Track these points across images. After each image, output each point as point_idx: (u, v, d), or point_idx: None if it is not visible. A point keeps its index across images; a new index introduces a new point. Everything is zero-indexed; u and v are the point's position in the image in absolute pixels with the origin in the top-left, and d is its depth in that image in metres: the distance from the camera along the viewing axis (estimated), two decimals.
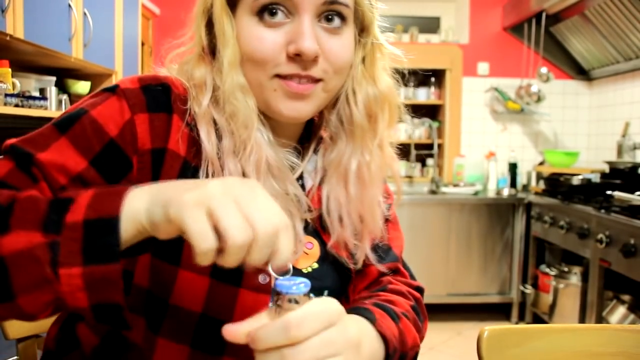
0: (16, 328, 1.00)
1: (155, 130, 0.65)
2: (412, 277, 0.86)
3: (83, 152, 0.62)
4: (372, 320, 0.66)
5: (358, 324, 0.65)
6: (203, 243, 0.45)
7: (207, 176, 0.66)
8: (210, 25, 0.70)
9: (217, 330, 0.50)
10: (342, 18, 0.68)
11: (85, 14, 2.38)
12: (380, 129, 0.76)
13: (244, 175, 0.67)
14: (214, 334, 0.51)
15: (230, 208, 0.46)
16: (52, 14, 2.13)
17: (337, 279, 0.77)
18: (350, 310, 0.69)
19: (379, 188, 0.77)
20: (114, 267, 0.48)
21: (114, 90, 0.66)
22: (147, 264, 0.65)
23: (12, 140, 0.62)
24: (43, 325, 1.02)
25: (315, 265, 0.75)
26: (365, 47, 0.75)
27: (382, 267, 0.80)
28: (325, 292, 0.75)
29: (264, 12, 0.65)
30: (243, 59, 0.67)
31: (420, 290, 0.84)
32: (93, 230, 0.48)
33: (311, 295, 0.51)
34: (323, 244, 0.76)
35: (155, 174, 0.66)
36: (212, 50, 0.70)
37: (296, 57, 0.65)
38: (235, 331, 0.49)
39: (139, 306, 0.66)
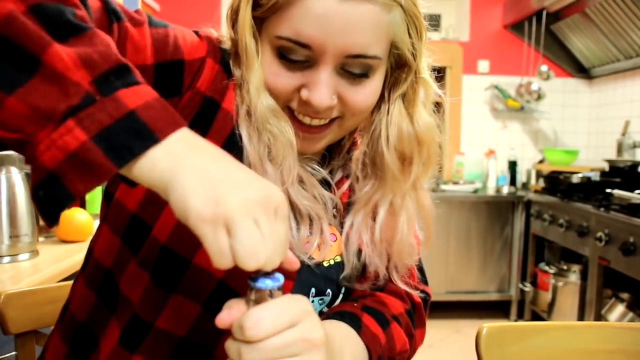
0: (16, 323, 1.00)
1: (216, 82, 0.65)
2: (424, 282, 0.85)
3: (156, 52, 0.60)
4: (357, 329, 0.66)
5: (339, 329, 0.65)
6: (219, 260, 0.43)
7: None
8: (235, 26, 0.68)
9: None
10: (367, 70, 0.64)
11: None
12: (414, 172, 0.72)
13: (282, 181, 0.66)
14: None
15: (247, 231, 0.43)
16: None
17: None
18: (338, 313, 0.69)
19: (411, 230, 0.75)
20: (112, 166, 0.42)
21: (196, 32, 0.67)
22: (174, 222, 0.63)
23: None
24: (43, 321, 1.03)
25: (339, 259, 0.74)
26: (405, 82, 0.70)
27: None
28: (343, 290, 0.75)
29: (284, 54, 0.63)
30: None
31: (425, 295, 0.83)
32: (130, 126, 0.43)
33: (280, 291, 0.49)
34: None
35: (200, 122, 0.64)
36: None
37: (307, 102, 0.64)
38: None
39: (148, 261, 0.65)
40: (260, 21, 0.65)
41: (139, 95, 0.44)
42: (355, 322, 0.66)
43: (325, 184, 0.75)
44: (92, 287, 0.71)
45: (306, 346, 0.48)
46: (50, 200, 0.43)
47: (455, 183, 3.80)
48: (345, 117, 0.68)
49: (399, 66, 0.70)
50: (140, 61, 0.59)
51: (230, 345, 0.48)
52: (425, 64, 0.71)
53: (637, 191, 2.66)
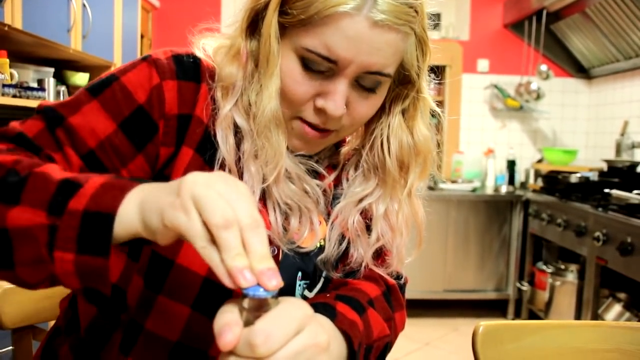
0: (12, 318, 1.00)
1: (182, 97, 0.67)
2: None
3: (112, 116, 0.64)
4: (331, 317, 0.64)
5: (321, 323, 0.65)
6: (199, 241, 0.44)
7: None
8: (254, 27, 0.69)
9: (219, 296, 0.50)
10: (378, 85, 0.69)
11: (84, 5, 2.37)
12: (410, 179, 0.77)
13: (264, 178, 0.69)
14: (216, 300, 0.50)
15: (215, 198, 0.45)
16: (51, 5, 2.13)
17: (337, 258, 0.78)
18: (311, 305, 0.69)
19: (407, 235, 0.79)
20: (103, 261, 0.48)
21: (146, 58, 0.68)
22: None
23: (47, 103, 0.65)
24: (39, 316, 1.03)
25: (322, 242, 0.76)
26: (407, 98, 0.75)
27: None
28: (324, 273, 0.76)
29: (308, 62, 0.65)
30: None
31: (400, 278, 0.83)
32: (89, 222, 0.49)
33: (278, 297, 0.47)
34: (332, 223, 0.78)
35: (180, 138, 0.68)
36: (251, 54, 0.69)
37: (321, 110, 0.67)
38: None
39: (142, 267, 0.67)
40: (283, 27, 0.66)
41: (85, 193, 0.50)
42: (329, 311, 0.64)
43: (312, 172, 0.77)
44: (95, 302, 0.72)
45: (316, 351, 0.47)
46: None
47: (454, 182, 3.80)
48: (344, 129, 0.72)
49: (403, 83, 0.74)
50: (105, 132, 0.64)
51: None
52: (426, 84, 0.76)
53: (635, 191, 2.66)
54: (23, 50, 2.24)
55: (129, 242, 0.52)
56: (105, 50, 2.71)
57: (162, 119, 0.66)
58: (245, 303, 0.45)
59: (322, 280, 0.77)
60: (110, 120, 0.64)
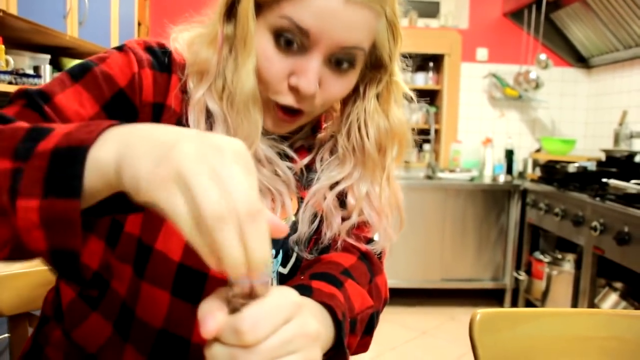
0: (9, 305, 0.99)
1: (157, 86, 0.69)
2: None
3: (96, 98, 0.65)
4: (308, 295, 0.62)
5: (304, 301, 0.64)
6: (186, 226, 0.39)
7: None
8: (230, 12, 0.70)
9: (195, 280, 0.51)
10: (352, 61, 0.70)
11: None
12: (388, 162, 0.79)
13: None
14: (192, 284, 0.49)
15: (206, 180, 0.39)
16: None
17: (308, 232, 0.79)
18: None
19: (391, 216, 0.80)
20: (73, 203, 0.42)
21: (121, 48, 0.70)
22: (141, 215, 0.68)
23: (27, 87, 0.64)
24: (35, 303, 1.02)
25: (293, 218, 0.77)
26: (380, 82, 0.77)
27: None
28: (296, 248, 0.77)
29: (281, 37, 0.66)
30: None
31: (371, 242, 0.82)
32: (59, 159, 0.43)
33: (271, 282, 0.45)
34: (301, 199, 0.79)
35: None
36: (227, 38, 0.71)
37: (295, 89, 0.68)
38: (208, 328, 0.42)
39: (128, 255, 0.68)
40: (259, 7, 0.67)
41: (56, 134, 0.45)
42: (304, 290, 0.63)
43: (285, 155, 0.78)
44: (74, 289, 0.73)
45: (305, 341, 0.45)
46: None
47: (452, 171, 3.80)
48: (316, 110, 0.73)
49: (375, 67, 0.76)
50: (89, 113, 0.64)
51: (218, 352, 0.42)
52: (398, 68, 0.77)
53: (633, 181, 2.66)
54: (19, 36, 2.22)
55: (101, 209, 0.46)
56: (102, 37, 2.69)
57: (140, 105, 0.68)
58: (233, 290, 0.43)
59: (295, 254, 0.77)
60: (93, 102, 0.65)
